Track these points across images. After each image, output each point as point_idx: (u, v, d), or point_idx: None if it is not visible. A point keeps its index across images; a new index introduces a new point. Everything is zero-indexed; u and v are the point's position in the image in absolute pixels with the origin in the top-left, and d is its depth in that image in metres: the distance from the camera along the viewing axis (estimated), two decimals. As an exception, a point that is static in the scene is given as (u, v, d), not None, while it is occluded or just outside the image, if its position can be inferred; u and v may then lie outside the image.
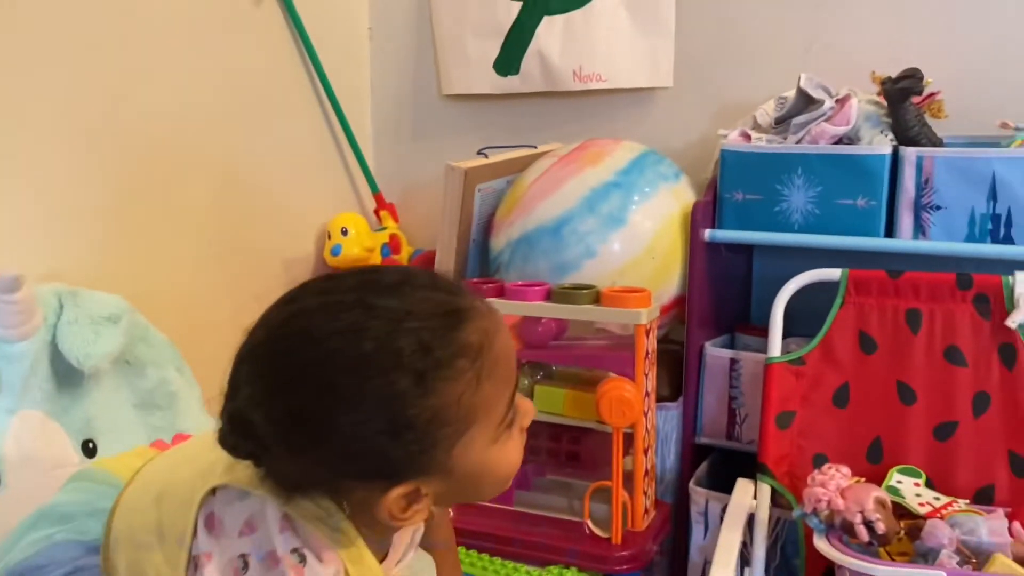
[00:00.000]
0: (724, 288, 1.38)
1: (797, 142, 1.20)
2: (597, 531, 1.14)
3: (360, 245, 1.62)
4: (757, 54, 1.44)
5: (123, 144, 1.25)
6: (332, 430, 0.67)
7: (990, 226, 1.11)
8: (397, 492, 0.70)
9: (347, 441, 0.67)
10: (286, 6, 1.54)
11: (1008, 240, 1.10)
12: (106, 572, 0.77)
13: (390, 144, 1.79)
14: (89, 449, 1.06)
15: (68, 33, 1.17)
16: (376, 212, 1.75)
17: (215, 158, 1.43)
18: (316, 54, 1.61)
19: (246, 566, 0.71)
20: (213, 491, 0.73)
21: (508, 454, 0.75)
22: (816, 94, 1.22)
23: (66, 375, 1.04)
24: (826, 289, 1.16)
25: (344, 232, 1.62)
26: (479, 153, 1.44)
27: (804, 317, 1.19)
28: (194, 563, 0.72)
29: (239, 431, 0.69)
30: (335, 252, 1.62)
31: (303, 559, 0.70)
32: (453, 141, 1.69)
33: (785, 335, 1.23)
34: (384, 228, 1.72)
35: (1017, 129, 1.17)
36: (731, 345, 1.38)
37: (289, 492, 0.71)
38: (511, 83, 1.59)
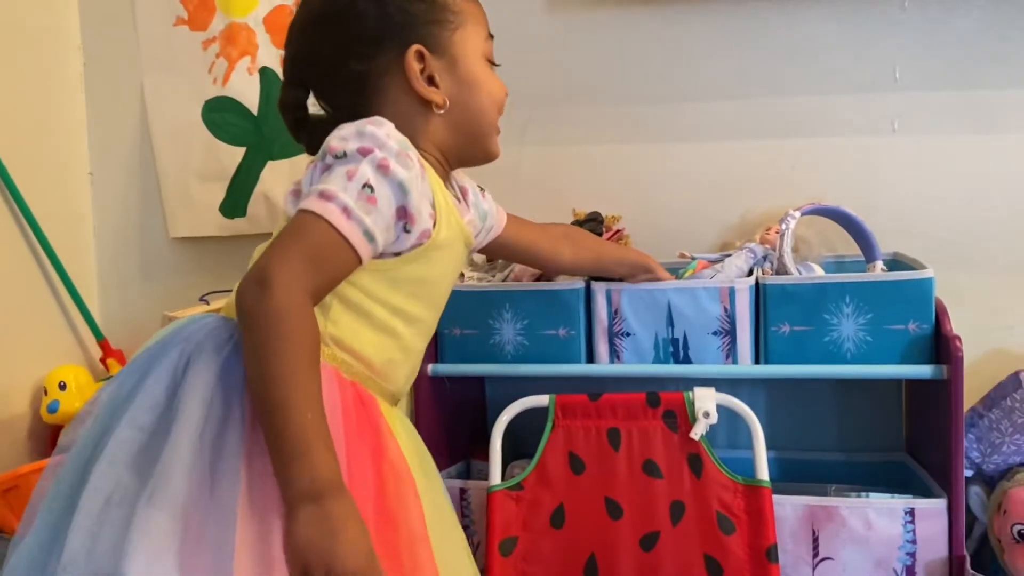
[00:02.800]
0: (456, 417, 1.42)
1: (504, 280, 1.29)
2: None
3: (81, 398, 1.53)
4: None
5: None
6: (368, 7, 0.94)
7: (671, 348, 1.24)
8: (416, 48, 0.94)
9: (378, 10, 0.94)
10: (-13, 155, 1.48)
11: (686, 360, 1.23)
12: None
13: (117, 289, 1.72)
14: None
15: None
16: (102, 360, 1.67)
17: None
18: (25, 202, 1.53)
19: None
20: None
21: (493, 80, 1.00)
22: (518, 235, 1.32)
23: None
24: (544, 413, 1.24)
25: (62, 386, 1.54)
26: (201, 299, 1.43)
27: (534, 437, 1.25)
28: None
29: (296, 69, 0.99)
30: (52, 409, 1.52)
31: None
32: (182, 283, 1.66)
33: (517, 457, 1.29)
34: (111, 376, 1.64)
35: (693, 258, 1.33)
36: (467, 473, 1.42)
37: None
38: (238, 225, 1.60)
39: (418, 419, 1.31)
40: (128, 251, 1.71)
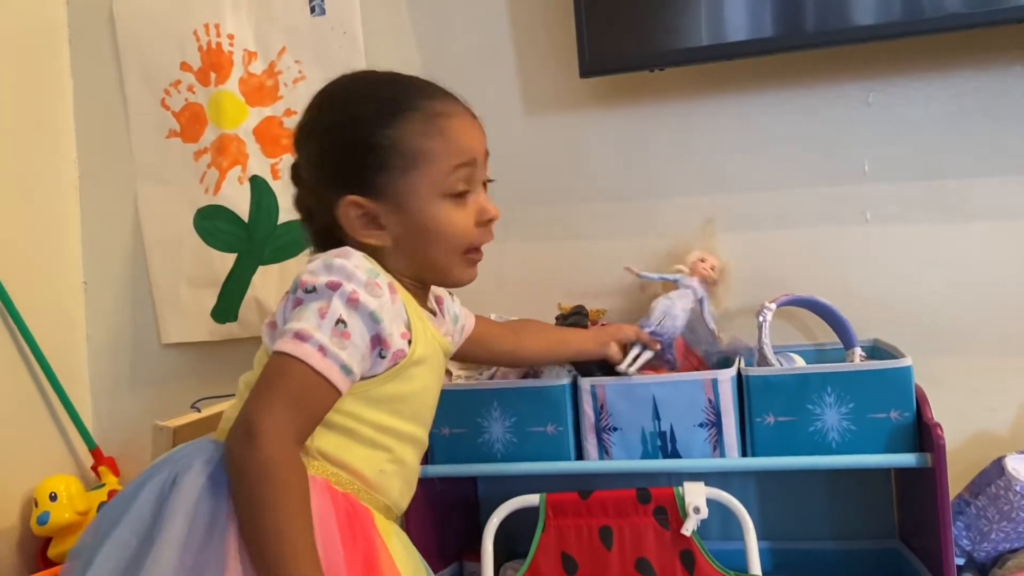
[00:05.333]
0: (448, 518, 1.42)
1: (490, 378, 1.31)
2: None
3: (72, 509, 1.53)
4: (462, 292, 1.57)
5: None
6: (318, 146, 0.97)
7: (659, 443, 1.24)
8: (351, 199, 0.94)
9: (324, 152, 0.96)
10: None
11: (675, 454, 1.24)
12: None
13: (109, 396, 1.73)
14: None
15: None
16: (94, 468, 1.66)
17: None
18: (17, 310, 1.56)
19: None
20: None
21: (450, 218, 0.97)
22: (504, 333, 1.34)
23: None
24: (535, 511, 1.24)
25: (53, 497, 1.53)
26: (193, 407, 1.43)
27: (527, 535, 1.24)
28: None
29: (294, 179, 1.02)
30: (42, 521, 1.52)
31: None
32: (174, 389, 1.67)
33: (510, 556, 1.28)
34: (103, 485, 1.63)
35: (639, 274, 1.36)
36: (459, 575, 1.41)
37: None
38: (230, 329, 1.62)
39: (409, 520, 1.30)
40: (120, 358, 1.73)
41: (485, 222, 1.02)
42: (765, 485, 1.42)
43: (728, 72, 1.41)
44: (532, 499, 1.23)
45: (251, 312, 1.60)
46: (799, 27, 1.29)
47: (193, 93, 1.62)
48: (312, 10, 1.56)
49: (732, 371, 1.23)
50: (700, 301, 1.32)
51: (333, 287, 0.88)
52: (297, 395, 0.85)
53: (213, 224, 1.61)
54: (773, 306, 1.26)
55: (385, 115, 0.95)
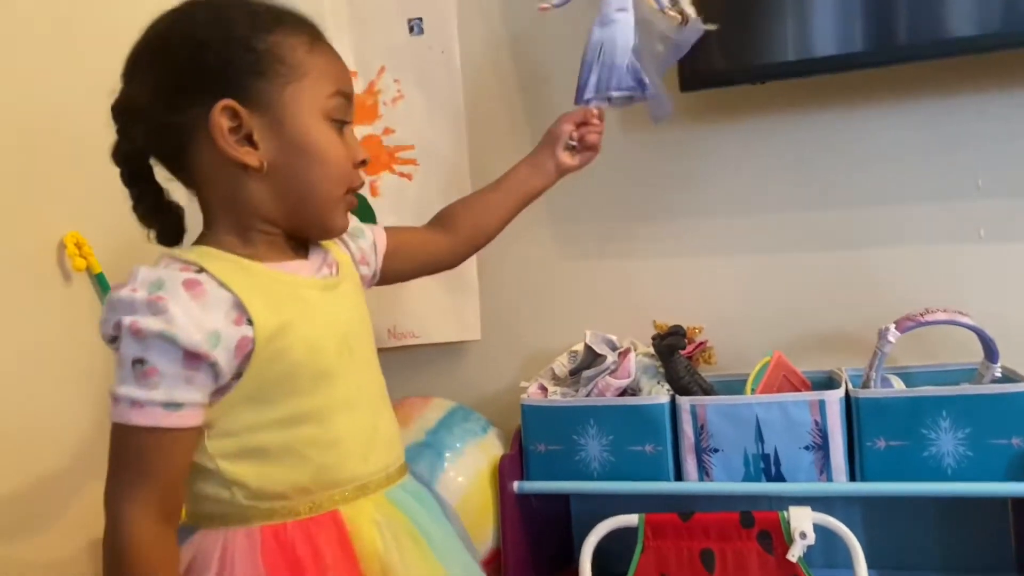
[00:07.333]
0: (542, 536, 1.41)
1: (587, 395, 1.30)
2: None
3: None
4: (553, 309, 1.57)
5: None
6: (173, 58, 0.85)
7: (762, 465, 1.21)
8: (225, 102, 0.82)
9: (186, 60, 0.84)
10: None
11: (779, 477, 1.20)
12: None
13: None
14: None
15: None
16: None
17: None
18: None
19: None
20: None
21: (332, 141, 0.87)
22: (600, 349, 1.33)
23: None
24: (633, 532, 1.22)
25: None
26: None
27: (621, 555, 1.22)
28: None
29: (119, 118, 0.86)
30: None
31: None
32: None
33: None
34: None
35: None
36: (553, 593, 1.40)
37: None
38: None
39: (504, 538, 1.30)
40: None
41: (359, 163, 0.91)
42: (871, 511, 1.37)
43: (835, 84, 1.38)
44: (630, 519, 1.21)
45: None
46: (912, 38, 1.25)
47: (295, 112, 1.66)
48: (411, 30, 1.59)
49: (840, 392, 1.19)
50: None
51: (118, 328, 0.78)
52: (141, 463, 0.78)
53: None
54: (897, 332, 1.20)
55: (265, 22, 0.85)
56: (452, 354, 1.64)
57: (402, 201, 1.62)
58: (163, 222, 0.90)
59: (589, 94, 1.19)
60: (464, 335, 1.61)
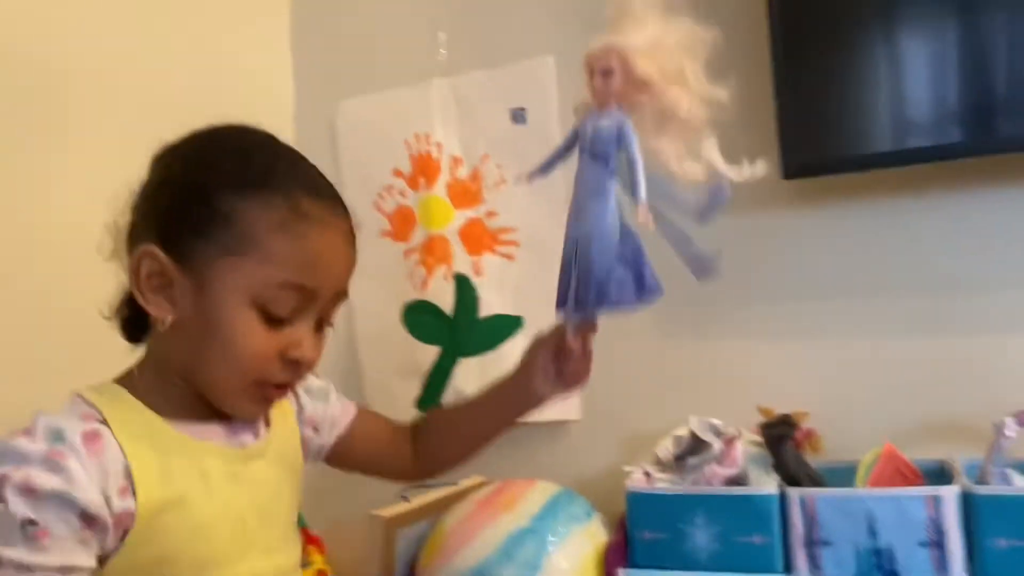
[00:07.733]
0: (645, 621, 1.40)
1: (693, 483, 1.30)
2: None
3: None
4: (653, 390, 1.58)
5: None
6: (150, 185, 0.82)
7: (875, 560, 1.19)
8: (150, 248, 0.77)
9: (152, 189, 0.81)
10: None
11: (893, 574, 1.18)
12: None
13: (319, 475, 1.84)
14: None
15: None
16: (303, 546, 1.76)
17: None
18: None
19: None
20: None
21: (248, 331, 0.78)
22: (706, 437, 1.34)
23: None
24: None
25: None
26: (401, 497, 1.50)
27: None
28: None
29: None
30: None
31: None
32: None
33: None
34: (311, 563, 1.72)
35: None
36: None
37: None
38: (432, 420, 1.70)
39: (610, 625, 1.30)
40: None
41: (291, 360, 0.81)
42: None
43: (941, 170, 1.37)
44: (741, 612, 1.20)
45: (451, 399, 1.67)
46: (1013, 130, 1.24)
47: (404, 197, 1.74)
48: (514, 119, 1.65)
49: (956, 488, 1.16)
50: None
51: (4, 482, 0.70)
52: None
53: (419, 318, 1.70)
54: (1016, 426, 1.17)
55: (243, 180, 0.78)
56: (551, 434, 1.66)
57: (504, 280, 1.67)
58: (126, 319, 0.87)
59: (568, 304, 0.92)
60: (564, 415, 1.64)
